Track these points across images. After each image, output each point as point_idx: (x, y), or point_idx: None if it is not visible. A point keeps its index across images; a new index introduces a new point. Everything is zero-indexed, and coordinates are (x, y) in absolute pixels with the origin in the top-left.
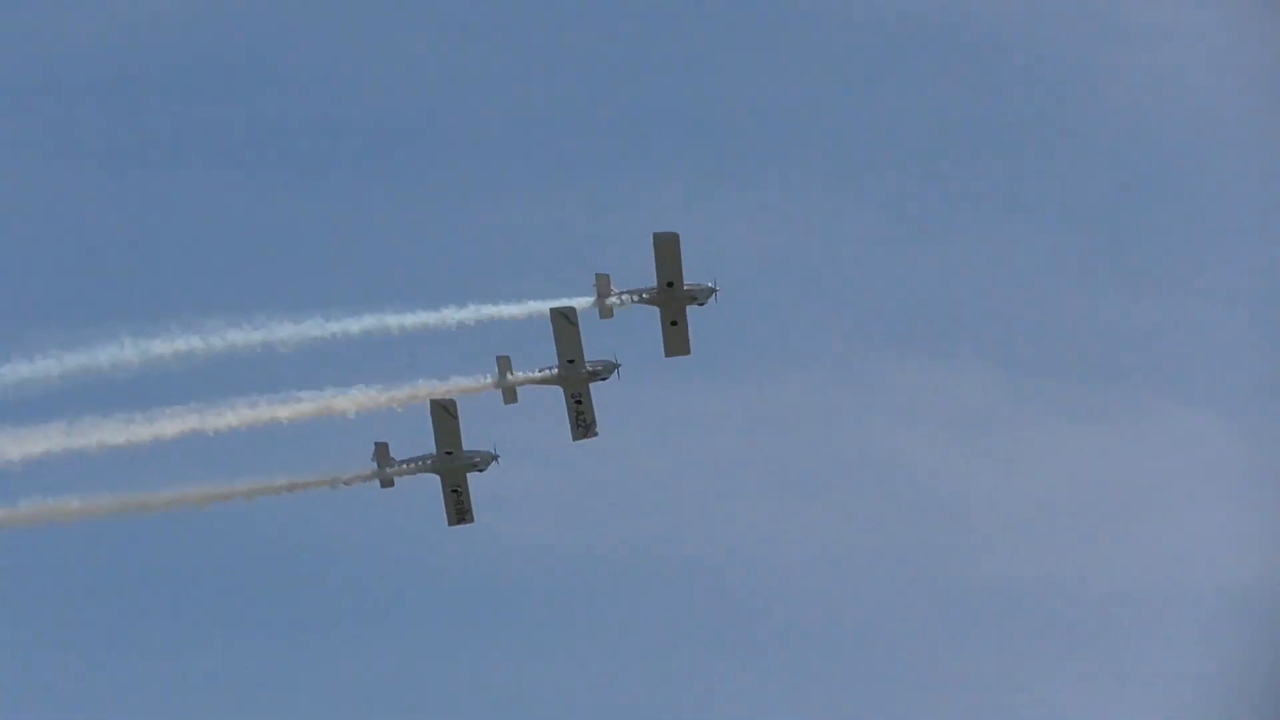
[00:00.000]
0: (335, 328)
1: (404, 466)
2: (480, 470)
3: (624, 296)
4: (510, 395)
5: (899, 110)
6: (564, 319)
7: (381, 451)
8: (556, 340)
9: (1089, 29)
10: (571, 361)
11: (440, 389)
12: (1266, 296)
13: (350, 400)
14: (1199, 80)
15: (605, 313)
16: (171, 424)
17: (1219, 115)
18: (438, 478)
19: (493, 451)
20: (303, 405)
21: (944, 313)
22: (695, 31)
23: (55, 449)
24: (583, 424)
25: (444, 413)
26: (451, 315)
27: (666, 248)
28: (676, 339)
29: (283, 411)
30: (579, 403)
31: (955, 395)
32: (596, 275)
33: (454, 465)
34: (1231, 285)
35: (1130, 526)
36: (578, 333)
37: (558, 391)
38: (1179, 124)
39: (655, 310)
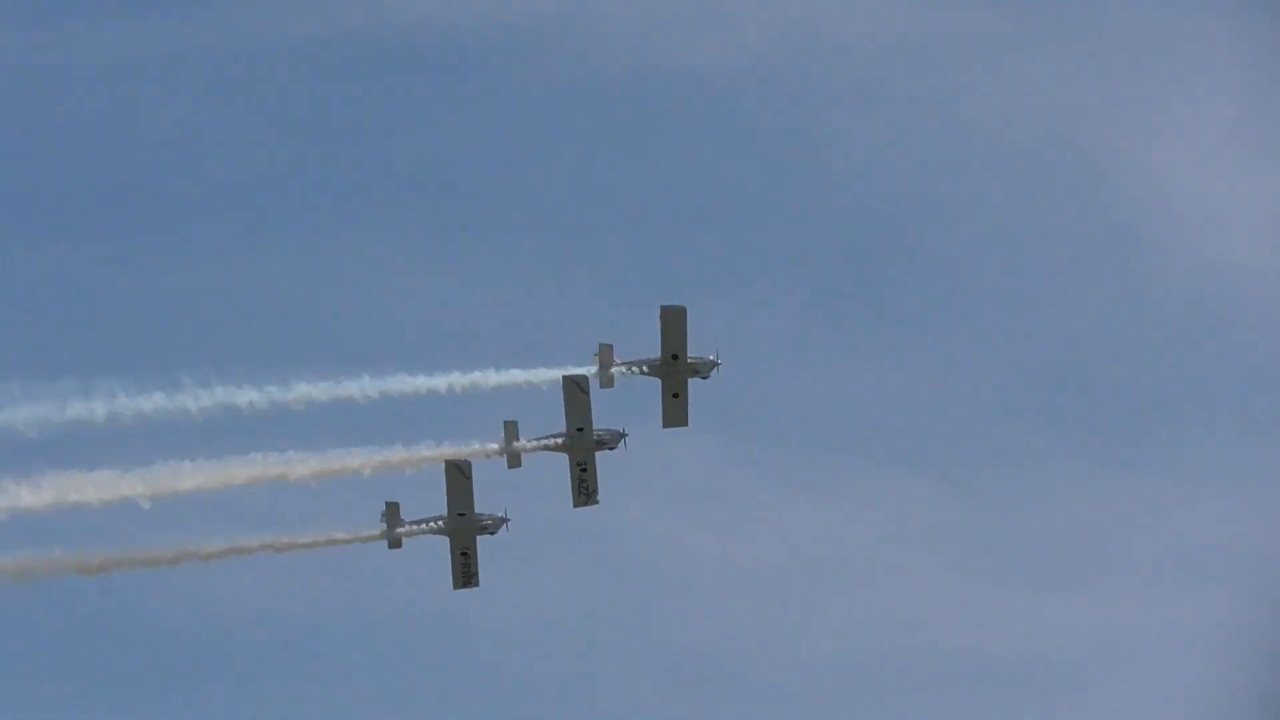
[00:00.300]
0: (333, 390)
1: (414, 528)
2: (491, 533)
3: (628, 368)
4: (515, 460)
5: (629, 176)
6: (576, 387)
7: (392, 512)
8: (567, 408)
9: (823, 95)
10: (581, 430)
11: (447, 452)
12: (985, 363)
13: (354, 461)
14: (930, 147)
15: (606, 382)
16: (179, 479)
17: (947, 184)
18: (446, 539)
19: (503, 515)
20: (305, 465)
21: None
22: (426, 92)
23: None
24: (585, 491)
25: (458, 473)
26: (457, 380)
27: (673, 321)
28: (676, 410)
29: (286, 470)
30: (584, 470)
31: (678, 464)
32: (600, 345)
33: (465, 527)
34: (950, 352)
35: (852, 593)
36: (589, 401)
37: (560, 457)
38: (905, 193)
39: (651, 380)
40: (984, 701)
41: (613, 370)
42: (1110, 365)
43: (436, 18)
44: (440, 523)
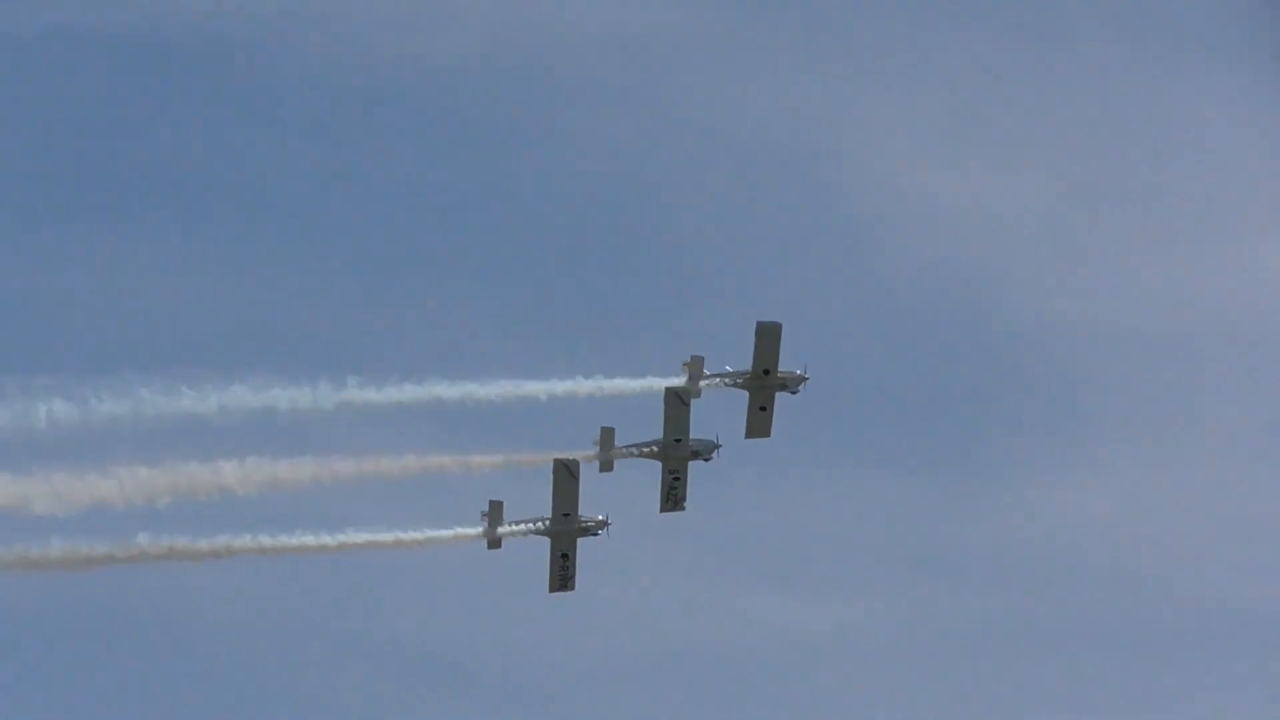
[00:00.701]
0: (436, 392)
1: (516, 527)
2: (595, 535)
3: (716, 380)
4: (608, 465)
5: (362, 170)
6: (677, 399)
7: (495, 511)
8: (665, 418)
9: (551, 90)
10: (678, 440)
11: (543, 455)
12: (722, 361)
13: (453, 461)
14: (658, 142)
15: (694, 393)
16: (281, 474)
17: (674, 180)
18: (548, 541)
19: (604, 518)
20: (400, 464)
21: (386, 369)
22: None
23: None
24: (673, 498)
25: (566, 473)
26: (556, 386)
27: (768, 337)
28: (760, 422)
29: (374, 468)
30: (676, 479)
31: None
32: (691, 356)
33: (569, 528)
34: (683, 347)
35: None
36: (688, 413)
37: (650, 463)
38: (632, 189)
39: (734, 392)
40: (713, 699)
41: (702, 382)
42: (837, 362)
43: (174, 14)
44: (543, 523)
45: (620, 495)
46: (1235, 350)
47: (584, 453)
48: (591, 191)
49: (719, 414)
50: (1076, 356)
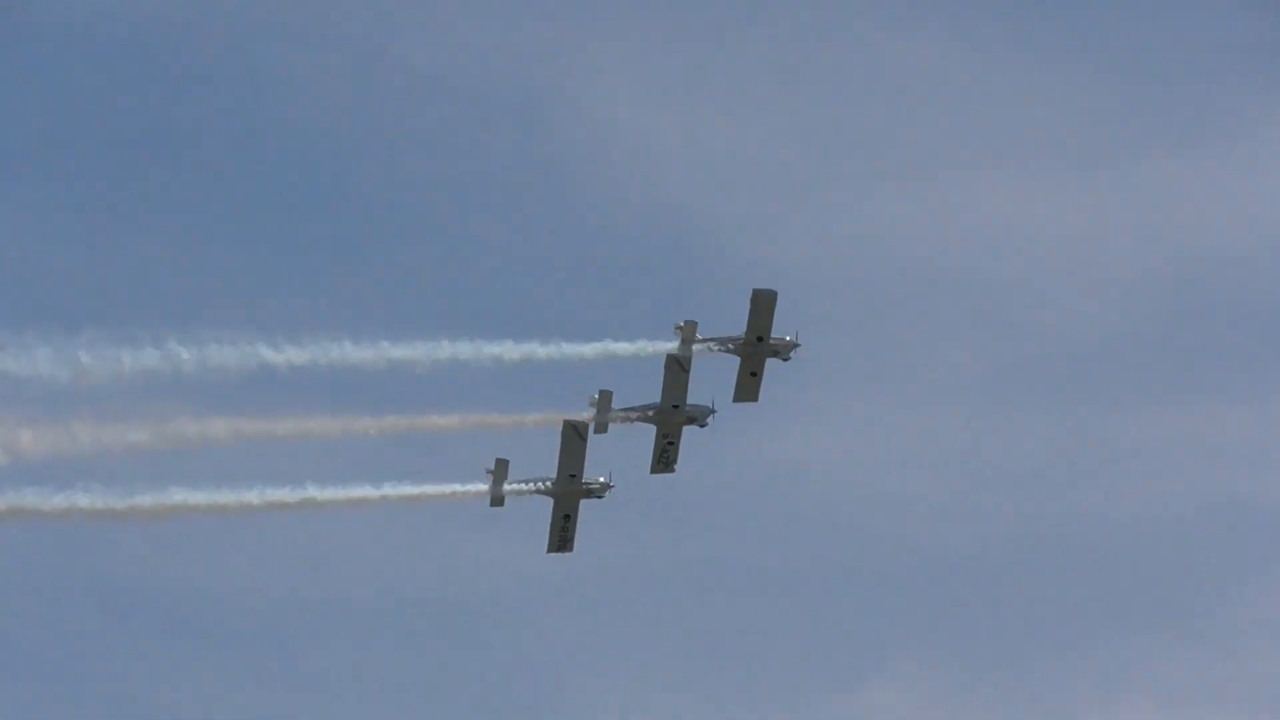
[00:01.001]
0: (443, 352)
1: (521, 486)
2: (598, 498)
3: (709, 345)
4: (602, 428)
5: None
6: (678, 366)
7: (500, 469)
8: (665, 384)
9: (258, 30)
10: (676, 406)
11: (539, 418)
12: (430, 299)
13: (452, 420)
14: (368, 83)
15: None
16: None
17: (386, 120)
18: (551, 501)
19: (607, 480)
20: (403, 422)
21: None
22: None
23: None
24: (665, 460)
25: (574, 434)
26: (566, 349)
27: (763, 304)
28: (749, 387)
29: (373, 426)
30: (671, 444)
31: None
32: (685, 321)
33: (574, 489)
34: (392, 288)
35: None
36: (687, 380)
37: (643, 425)
38: (342, 129)
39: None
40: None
41: (694, 347)
42: (561, 307)
43: None
44: (548, 483)
45: (614, 456)
46: (961, 294)
47: (580, 415)
48: (306, 135)
49: (707, 378)
50: (800, 300)
